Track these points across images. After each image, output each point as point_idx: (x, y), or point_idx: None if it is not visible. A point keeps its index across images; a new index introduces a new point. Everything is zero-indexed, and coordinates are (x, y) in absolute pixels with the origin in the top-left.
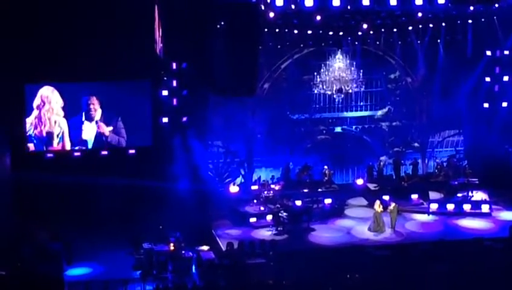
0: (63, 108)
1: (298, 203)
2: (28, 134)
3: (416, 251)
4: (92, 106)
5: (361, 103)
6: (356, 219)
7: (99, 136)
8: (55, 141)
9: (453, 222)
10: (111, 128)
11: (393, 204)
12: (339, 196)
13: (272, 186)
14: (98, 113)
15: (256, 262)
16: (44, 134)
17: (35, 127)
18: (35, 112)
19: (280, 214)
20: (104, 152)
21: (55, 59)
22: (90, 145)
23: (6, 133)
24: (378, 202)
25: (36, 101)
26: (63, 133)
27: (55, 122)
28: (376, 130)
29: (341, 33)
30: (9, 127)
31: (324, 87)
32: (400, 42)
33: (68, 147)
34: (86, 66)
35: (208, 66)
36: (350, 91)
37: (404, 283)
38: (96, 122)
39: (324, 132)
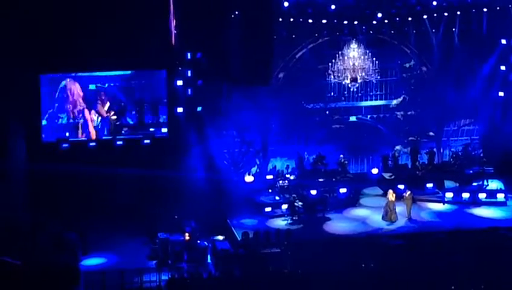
0: (83, 99)
1: (313, 192)
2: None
3: (431, 240)
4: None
5: (376, 92)
6: (371, 208)
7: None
8: (79, 131)
9: (468, 211)
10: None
11: (408, 192)
12: (354, 185)
13: (287, 175)
14: (106, 105)
15: (272, 252)
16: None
17: (60, 118)
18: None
19: (295, 204)
20: (119, 142)
21: (69, 49)
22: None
23: (22, 124)
24: (391, 191)
25: (59, 93)
26: (87, 123)
27: (78, 112)
28: (391, 119)
29: (356, 22)
30: (25, 118)
31: (339, 76)
32: (414, 31)
33: (94, 136)
34: (101, 56)
35: (222, 55)
36: (365, 80)
37: (419, 272)
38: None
39: (339, 121)
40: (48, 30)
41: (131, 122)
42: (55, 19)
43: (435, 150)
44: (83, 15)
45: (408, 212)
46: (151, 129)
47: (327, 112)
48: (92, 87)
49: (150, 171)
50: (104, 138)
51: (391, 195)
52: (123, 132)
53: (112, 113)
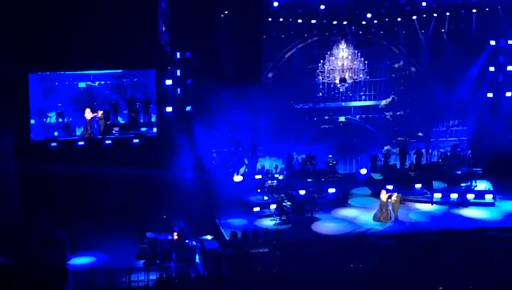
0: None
1: (302, 192)
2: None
3: (420, 241)
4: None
5: (365, 93)
6: (360, 209)
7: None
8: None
9: (456, 212)
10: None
11: (395, 194)
12: (342, 185)
13: (276, 175)
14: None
15: (260, 251)
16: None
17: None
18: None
19: (284, 204)
20: (108, 141)
21: (58, 49)
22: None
23: (11, 123)
24: (384, 191)
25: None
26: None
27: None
28: (380, 119)
29: (345, 22)
30: (14, 117)
31: (328, 76)
32: (404, 32)
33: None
34: (91, 55)
35: (212, 55)
36: (354, 80)
37: (407, 272)
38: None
39: (328, 121)
40: (37, 29)
41: (122, 122)
42: (43, 18)
43: (423, 150)
44: (72, 14)
45: (395, 213)
46: (143, 129)
47: (316, 112)
48: (82, 85)
49: (139, 171)
50: (92, 136)
51: (383, 195)
52: (114, 131)
53: (100, 113)
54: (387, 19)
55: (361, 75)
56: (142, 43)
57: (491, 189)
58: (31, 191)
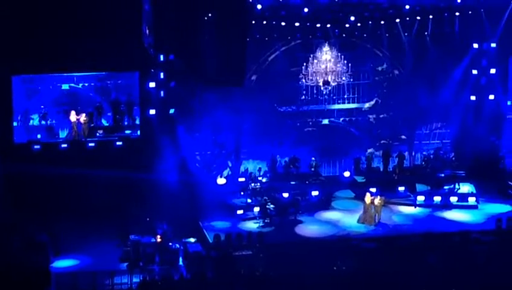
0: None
1: (285, 195)
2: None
3: (403, 243)
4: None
5: (349, 95)
6: (343, 211)
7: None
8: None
9: (439, 215)
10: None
11: (378, 197)
12: (326, 188)
13: (259, 178)
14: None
15: (243, 254)
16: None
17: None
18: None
19: (267, 206)
20: (92, 144)
21: (41, 51)
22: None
23: None
24: (368, 194)
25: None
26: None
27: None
28: (363, 122)
29: (328, 25)
30: None
31: (311, 79)
32: (387, 34)
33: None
34: (74, 58)
35: (196, 57)
36: (337, 83)
37: (391, 275)
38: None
39: (311, 124)
40: (19, 31)
41: (106, 124)
42: (26, 20)
43: (405, 153)
44: (55, 16)
45: (378, 216)
46: (128, 131)
47: (300, 115)
48: (65, 87)
49: (122, 173)
50: (78, 138)
51: (367, 198)
52: (98, 134)
53: (83, 116)
54: (370, 22)
55: (344, 78)
56: (126, 46)
57: (474, 192)
58: (14, 194)
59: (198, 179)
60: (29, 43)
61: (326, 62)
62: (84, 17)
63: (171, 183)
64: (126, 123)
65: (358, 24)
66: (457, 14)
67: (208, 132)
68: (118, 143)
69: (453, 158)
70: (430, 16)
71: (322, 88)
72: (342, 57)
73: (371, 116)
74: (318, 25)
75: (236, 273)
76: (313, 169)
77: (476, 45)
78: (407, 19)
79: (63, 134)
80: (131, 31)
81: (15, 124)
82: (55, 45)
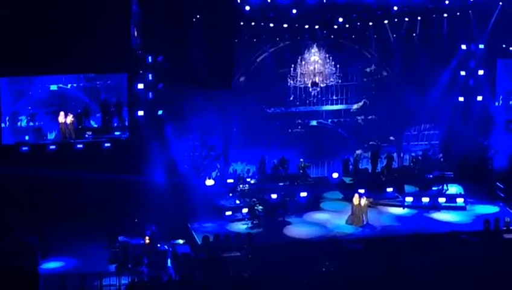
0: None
1: (274, 196)
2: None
3: (391, 245)
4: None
5: (337, 97)
6: (331, 213)
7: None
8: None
9: (428, 216)
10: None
11: (364, 198)
12: (314, 189)
13: (248, 179)
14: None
15: (232, 255)
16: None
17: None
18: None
19: (256, 208)
20: (80, 146)
21: (29, 52)
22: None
23: None
24: (356, 195)
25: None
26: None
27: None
28: (351, 123)
29: (317, 27)
30: None
31: (300, 80)
32: (375, 36)
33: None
34: (62, 59)
35: (184, 59)
36: (326, 85)
37: (380, 277)
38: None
39: (300, 125)
40: (6, 32)
41: (95, 126)
42: (13, 21)
43: (393, 154)
44: (43, 18)
45: (366, 218)
46: (117, 133)
47: (288, 116)
48: (53, 87)
49: (111, 175)
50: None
51: (356, 199)
52: (86, 135)
53: (70, 117)
54: (358, 23)
55: (332, 80)
56: (114, 47)
57: (463, 193)
58: (1, 196)
59: (187, 181)
60: (17, 44)
61: (314, 63)
62: (72, 19)
63: (159, 185)
64: (115, 124)
65: (347, 25)
66: (445, 15)
67: (196, 133)
68: (106, 145)
69: (442, 159)
70: (419, 17)
71: (310, 89)
72: (330, 58)
73: (359, 117)
74: (306, 26)
75: (225, 275)
76: (301, 170)
77: (464, 46)
78: (396, 20)
79: (51, 135)
80: (119, 32)
81: (3, 125)
82: (42, 46)
